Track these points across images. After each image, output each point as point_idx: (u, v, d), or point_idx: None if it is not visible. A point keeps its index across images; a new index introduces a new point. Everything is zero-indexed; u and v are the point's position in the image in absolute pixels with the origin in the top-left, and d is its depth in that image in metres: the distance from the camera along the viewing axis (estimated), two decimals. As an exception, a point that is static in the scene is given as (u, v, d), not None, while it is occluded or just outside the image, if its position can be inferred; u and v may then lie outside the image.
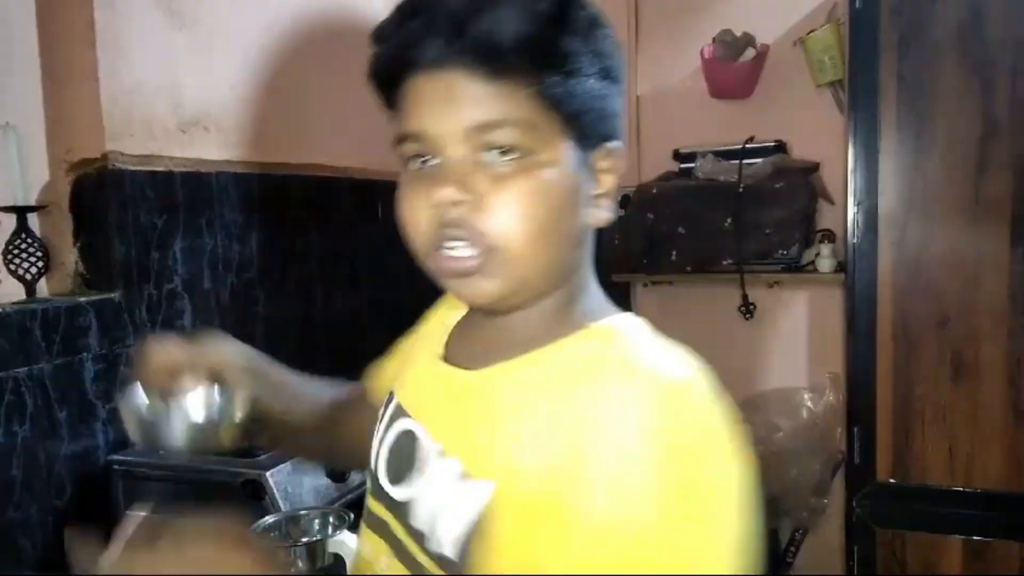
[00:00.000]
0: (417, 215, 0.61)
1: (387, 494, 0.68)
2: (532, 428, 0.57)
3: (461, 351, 0.70)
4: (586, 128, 0.61)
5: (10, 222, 1.26)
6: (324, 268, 1.79)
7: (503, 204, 0.58)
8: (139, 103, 1.36)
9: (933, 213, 1.81)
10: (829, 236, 2.36)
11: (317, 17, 1.77)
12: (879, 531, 1.91)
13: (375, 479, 0.71)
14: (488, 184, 0.58)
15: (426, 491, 0.63)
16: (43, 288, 1.31)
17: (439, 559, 0.60)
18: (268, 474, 1.19)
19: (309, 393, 0.88)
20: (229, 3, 1.55)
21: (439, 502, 0.61)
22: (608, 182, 0.64)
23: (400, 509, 0.66)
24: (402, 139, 0.62)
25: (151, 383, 0.73)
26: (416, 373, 0.74)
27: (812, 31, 2.36)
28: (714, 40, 2.50)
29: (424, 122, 0.59)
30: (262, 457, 1.23)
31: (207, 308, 1.49)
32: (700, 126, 2.58)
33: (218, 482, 1.22)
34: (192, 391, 0.72)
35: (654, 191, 2.47)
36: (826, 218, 2.41)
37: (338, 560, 1.04)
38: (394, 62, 0.61)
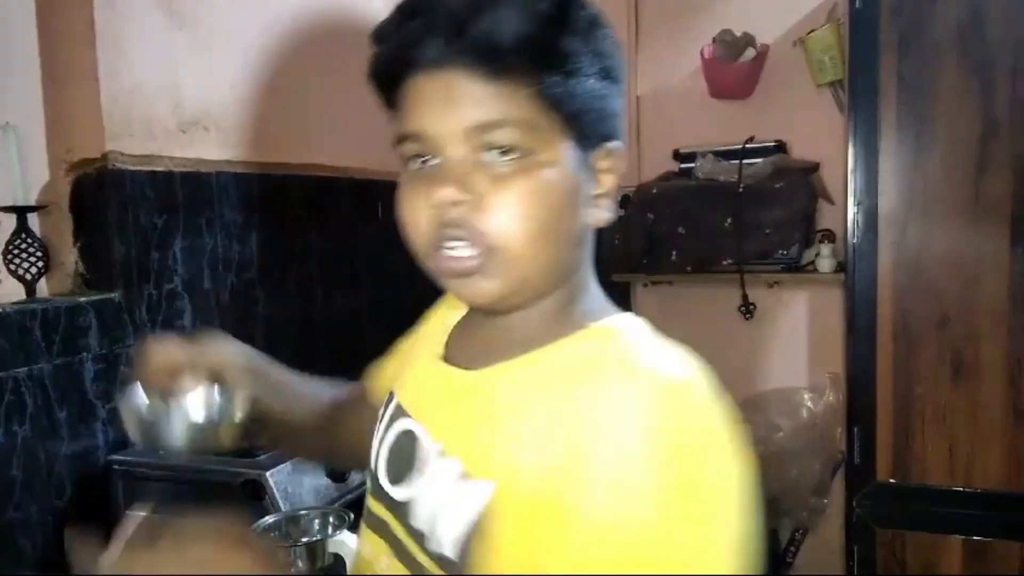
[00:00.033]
0: (417, 215, 0.61)
1: (387, 494, 0.68)
2: (532, 428, 0.57)
3: (461, 351, 0.70)
4: (586, 128, 0.61)
5: (10, 222, 1.26)
6: (324, 268, 1.79)
7: (503, 204, 0.58)
8: (139, 103, 1.36)
9: (933, 213, 1.81)
10: (829, 236, 2.36)
11: (317, 17, 1.77)
12: (879, 531, 1.91)
13: (375, 479, 0.71)
14: (488, 184, 0.58)
15: (426, 491, 0.63)
16: (43, 288, 1.31)
17: (439, 559, 0.60)
18: (268, 474, 1.19)
19: (309, 393, 0.88)
20: (229, 3, 1.55)
21: (439, 502, 0.61)
22: (608, 182, 0.64)
23: (400, 509, 0.66)
24: (402, 139, 0.62)
25: (151, 383, 0.73)
26: (416, 373, 0.74)
27: (812, 31, 2.36)
28: (714, 40, 2.50)
29: (424, 122, 0.59)
30: (262, 457, 1.23)
31: (207, 308, 1.49)
32: (700, 126, 2.58)
33: (218, 482, 1.22)
34: (192, 391, 0.72)
35: (654, 191, 2.47)
36: (826, 218, 2.41)
37: (338, 560, 1.04)
38: (394, 62, 0.61)
